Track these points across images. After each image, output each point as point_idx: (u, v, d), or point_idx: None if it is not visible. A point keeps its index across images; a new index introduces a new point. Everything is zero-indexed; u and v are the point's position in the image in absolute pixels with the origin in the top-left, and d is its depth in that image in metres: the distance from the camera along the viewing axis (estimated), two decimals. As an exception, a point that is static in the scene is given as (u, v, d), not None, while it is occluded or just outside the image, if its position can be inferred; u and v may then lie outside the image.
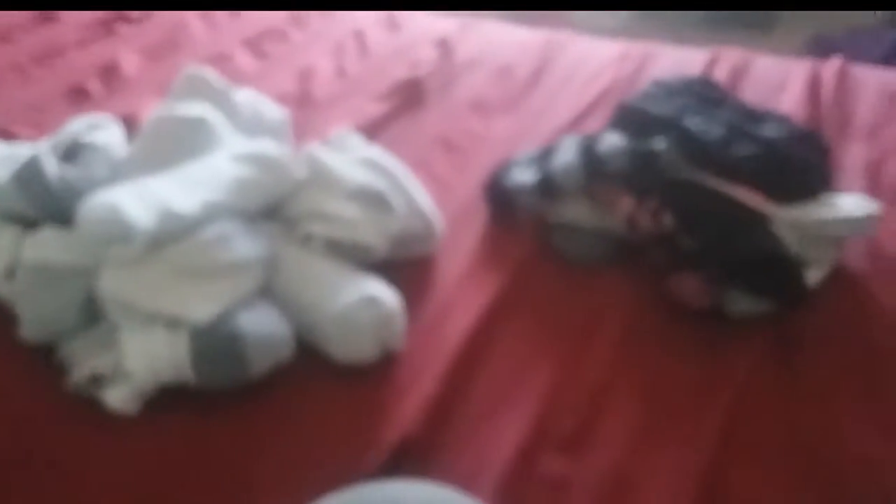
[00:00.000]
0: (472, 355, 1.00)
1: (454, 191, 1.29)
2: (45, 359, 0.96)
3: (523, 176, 1.19)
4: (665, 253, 1.10)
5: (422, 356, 1.00)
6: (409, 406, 0.93)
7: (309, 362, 0.97)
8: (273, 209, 1.08)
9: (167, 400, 0.93)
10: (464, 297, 1.09)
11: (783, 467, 0.89)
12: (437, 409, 0.93)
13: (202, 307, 0.92)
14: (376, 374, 0.97)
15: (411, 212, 1.11)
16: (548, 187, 1.15)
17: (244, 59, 1.67)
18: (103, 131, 1.12)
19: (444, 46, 1.71)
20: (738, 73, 1.62)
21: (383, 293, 0.98)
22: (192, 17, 1.83)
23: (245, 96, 1.24)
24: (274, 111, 1.26)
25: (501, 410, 0.95)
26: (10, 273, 0.99)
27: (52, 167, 1.02)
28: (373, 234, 1.04)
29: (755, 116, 1.25)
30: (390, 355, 0.99)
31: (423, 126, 1.46)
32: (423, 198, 1.15)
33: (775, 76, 1.62)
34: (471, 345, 1.01)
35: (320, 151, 1.13)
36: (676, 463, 0.89)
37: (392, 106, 1.50)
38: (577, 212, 1.16)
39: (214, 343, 0.91)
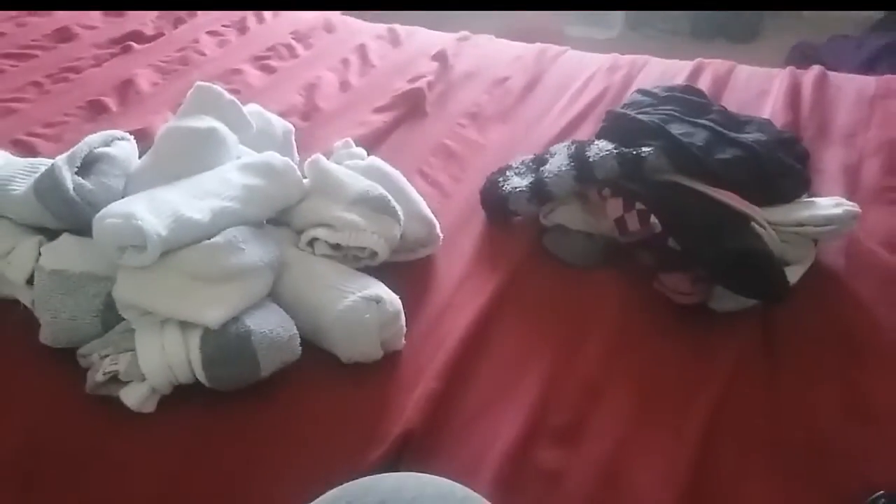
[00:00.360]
0: (471, 353, 1.03)
1: (453, 196, 1.32)
2: (67, 360, 0.98)
3: (517, 182, 1.23)
4: (653, 253, 1.13)
5: (422, 354, 1.02)
6: (411, 402, 0.95)
7: (314, 361, 0.99)
8: (280, 216, 1.12)
9: (180, 396, 0.95)
10: (462, 298, 1.11)
11: (768, 458, 0.91)
12: (437, 405, 0.95)
13: (213, 311, 0.94)
14: (378, 372, 0.99)
15: (412, 217, 1.14)
16: (540, 192, 1.19)
17: (253, 75, 1.71)
18: (119, 144, 1.14)
19: (443, 60, 1.75)
20: (721, 82, 1.65)
21: (385, 294, 1.00)
22: (204, 36, 1.89)
23: (253, 109, 1.27)
24: (280, 123, 1.30)
25: (498, 405, 0.97)
26: (32, 280, 1.02)
27: (69, 178, 1.04)
28: (375, 239, 1.07)
29: (737, 122, 1.28)
30: (392, 354, 1.01)
31: (423, 135, 1.50)
32: (423, 203, 1.18)
33: (757, 84, 1.65)
34: (469, 343, 1.03)
35: (324, 161, 1.16)
36: (666, 453, 0.91)
37: (393, 117, 1.53)
38: (568, 215, 1.20)
39: (225, 345, 0.93)
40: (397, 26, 1.96)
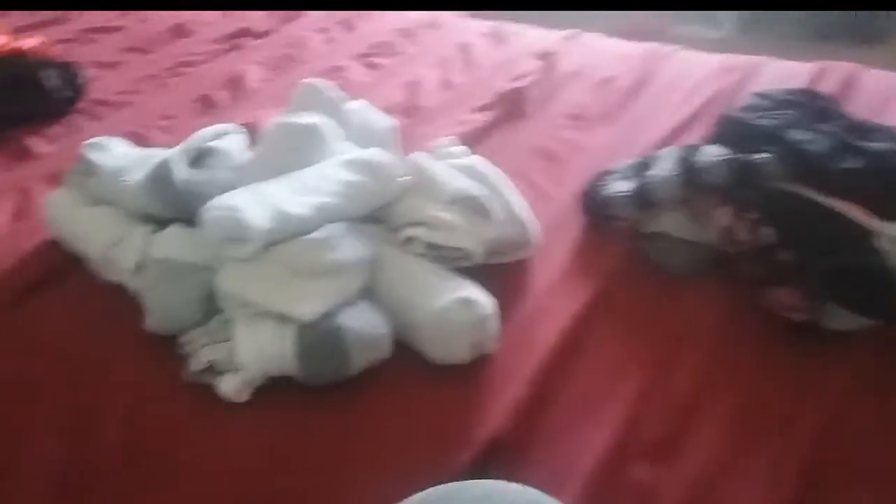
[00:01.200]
0: (563, 360, 1.01)
1: (551, 199, 1.30)
2: (169, 347, 1.01)
3: (620, 186, 1.20)
4: (762, 265, 1.08)
5: (513, 359, 1.01)
6: (500, 407, 0.94)
7: (405, 361, 0.99)
8: (377, 213, 1.12)
9: (274, 388, 0.97)
10: (556, 303, 1.10)
11: (880, 492, 0.86)
12: (527, 411, 0.94)
13: (308, 305, 0.96)
14: (469, 375, 0.99)
15: (508, 218, 1.13)
16: (644, 198, 1.16)
17: (357, 72, 1.74)
18: (228, 138, 1.18)
19: (547, 59, 1.73)
20: (846, 87, 1.56)
21: (478, 296, 1.00)
22: (312, 33, 1.93)
23: (356, 106, 1.28)
24: (382, 120, 1.31)
25: (590, 415, 0.95)
26: (140, 268, 1.06)
27: (180, 171, 1.08)
28: (471, 240, 1.06)
29: (863, 129, 1.21)
30: (483, 357, 1.00)
31: (524, 136, 1.48)
32: (521, 205, 1.16)
33: (886, 89, 1.56)
34: (561, 349, 1.02)
35: (424, 159, 1.16)
36: (766, 479, 0.88)
37: (494, 116, 1.52)
38: (672, 222, 1.16)
39: (318, 339, 0.94)
40: (503, 24, 1.95)
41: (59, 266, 1.15)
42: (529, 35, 1.90)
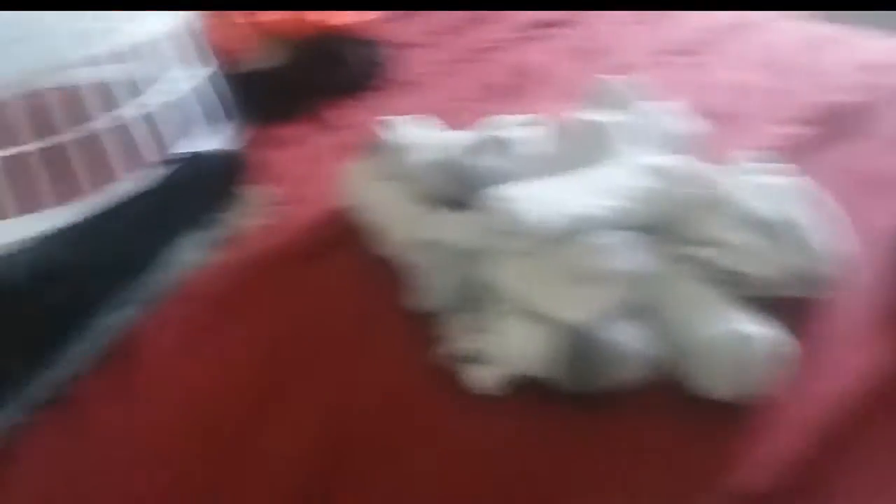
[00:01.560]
0: (852, 424, 0.89)
1: (871, 233, 1.13)
2: (427, 328, 1.02)
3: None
4: None
5: (790, 409, 0.90)
6: (761, 459, 0.85)
7: (665, 386, 0.93)
8: (662, 225, 1.06)
9: (523, 388, 0.95)
10: (857, 355, 0.96)
11: None
12: (793, 474, 0.84)
13: (575, 310, 0.94)
14: (733, 416, 0.90)
15: (812, 248, 1.01)
16: None
17: (656, 71, 1.66)
18: (520, 129, 1.18)
19: (883, 70, 1.54)
20: None
21: (759, 332, 0.91)
22: (612, 27, 1.88)
23: (653, 108, 1.24)
24: (680, 125, 1.24)
25: (872, 500, 0.83)
26: (416, 246, 1.08)
27: (470, 157, 1.11)
28: (764, 267, 0.98)
29: None
30: (754, 398, 0.91)
31: (846, 157, 1.32)
32: (830, 235, 1.04)
33: None
34: (853, 411, 0.90)
35: (722, 172, 1.08)
36: None
37: (809, 132, 1.38)
38: None
39: (577, 346, 0.92)
40: (825, 27, 1.76)
41: (341, 236, 1.21)
42: (860, 41, 1.70)
